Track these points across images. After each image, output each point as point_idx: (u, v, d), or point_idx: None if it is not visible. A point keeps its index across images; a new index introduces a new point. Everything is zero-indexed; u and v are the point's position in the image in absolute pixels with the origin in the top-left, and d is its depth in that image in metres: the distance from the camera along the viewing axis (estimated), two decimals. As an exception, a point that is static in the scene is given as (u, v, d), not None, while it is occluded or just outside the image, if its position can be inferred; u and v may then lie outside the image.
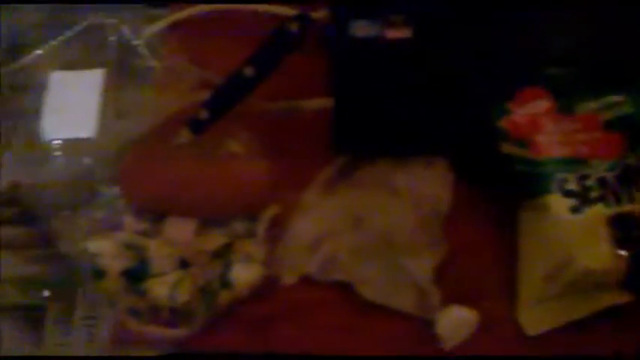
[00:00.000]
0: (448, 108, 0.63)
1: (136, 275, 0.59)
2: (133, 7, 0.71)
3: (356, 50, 0.66)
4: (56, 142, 0.66)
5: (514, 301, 0.60)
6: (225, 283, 0.60)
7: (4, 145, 0.75)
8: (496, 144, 0.59)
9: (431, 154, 0.65)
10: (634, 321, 0.58)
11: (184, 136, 0.63)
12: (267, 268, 0.61)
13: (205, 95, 0.66)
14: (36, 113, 0.67)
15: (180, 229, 0.61)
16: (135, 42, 0.71)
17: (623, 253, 0.55)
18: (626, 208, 0.57)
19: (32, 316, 1.35)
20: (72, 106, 0.67)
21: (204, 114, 0.63)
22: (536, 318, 0.59)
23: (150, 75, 0.69)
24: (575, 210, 0.57)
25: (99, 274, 0.59)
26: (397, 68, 0.65)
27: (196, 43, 0.72)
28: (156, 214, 0.61)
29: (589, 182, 0.58)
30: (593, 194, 0.57)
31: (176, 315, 0.59)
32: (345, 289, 0.61)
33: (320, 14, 0.66)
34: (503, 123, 0.59)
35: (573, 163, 0.58)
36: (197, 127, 0.63)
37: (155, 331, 0.58)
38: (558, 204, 0.57)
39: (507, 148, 0.59)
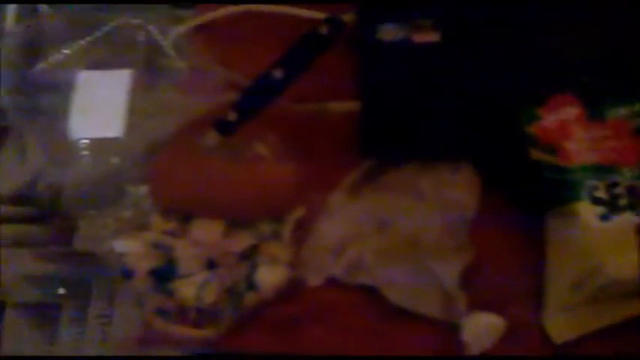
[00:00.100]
0: (476, 113, 0.63)
1: (164, 275, 0.59)
2: (160, 7, 0.72)
3: (383, 54, 0.66)
4: (84, 141, 0.67)
5: (540, 308, 0.60)
6: (251, 285, 0.60)
7: (31, 144, 0.76)
8: (525, 150, 0.59)
9: (457, 158, 0.65)
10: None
11: (212, 137, 0.63)
12: (293, 270, 0.62)
13: (232, 97, 0.66)
14: (64, 113, 0.68)
15: (207, 230, 0.61)
16: (162, 42, 0.71)
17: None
18: (656, 216, 0.57)
19: (47, 314, 1.36)
20: (99, 106, 0.67)
21: (232, 116, 0.63)
22: (563, 325, 0.58)
23: (177, 75, 0.70)
24: (603, 218, 0.57)
25: (127, 273, 0.60)
26: (424, 72, 0.65)
27: (223, 44, 0.72)
28: (183, 214, 0.62)
29: (618, 190, 0.57)
30: (622, 202, 0.57)
31: (203, 316, 0.59)
32: (370, 292, 0.61)
33: (350, 17, 0.66)
34: (532, 129, 0.59)
35: (602, 170, 0.58)
36: (225, 128, 0.63)
37: (182, 331, 0.59)
38: (587, 211, 0.57)
39: (536, 154, 0.59)
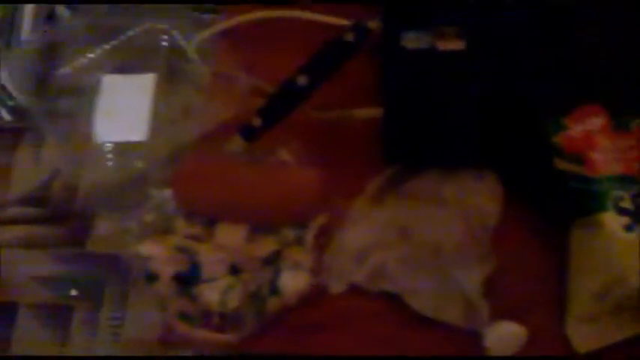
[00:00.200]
0: (500, 121, 0.63)
1: (188, 279, 0.60)
2: (184, 13, 0.72)
3: (407, 61, 0.66)
4: (108, 144, 0.67)
5: (563, 318, 0.59)
6: (275, 290, 0.60)
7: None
8: (550, 160, 0.59)
9: (481, 166, 0.65)
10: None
11: (236, 143, 0.64)
12: (316, 276, 0.62)
13: (256, 102, 0.66)
14: (88, 116, 0.68)
15: (231, 235, 0.61)
16: (186, 47, 0.71)
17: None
18: (681, 227, 0.56)
19: (59, 315, 1.37)
20: (124, 110, 0.67)
21: (257, 121, 0.63)
22: (586, 335, 0.58)
23: (200, 80, 0.70)
24: (628, 228, 0.57)
25: (151, 277, 0.60)
26: (448, 80, 0.65)
27: (247, 49, 0.72)
28: (207, 219, 0.62)
29: (643, 200, 0.58)
30: (647, 212, 0.57)
31: (226, 320, 0.59)
32: (393, 299, 0.61)
33: (375, 24, 0.66)
34: (558, 139, 0.59)
35: (628, 180, 0.58)
36: (249, 134, 0.64)
37: (205, 335, 0.59)
38: (612, 222, 0.57)
39: (562, 164, 0.59)
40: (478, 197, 0.64)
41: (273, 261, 0.61)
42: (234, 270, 0.60)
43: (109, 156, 0.66)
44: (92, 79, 0.70)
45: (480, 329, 0.59)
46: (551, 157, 0.59)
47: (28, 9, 1.45)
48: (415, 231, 0.63)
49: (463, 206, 0.63)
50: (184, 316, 0.59)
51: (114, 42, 0.71)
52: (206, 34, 0.73)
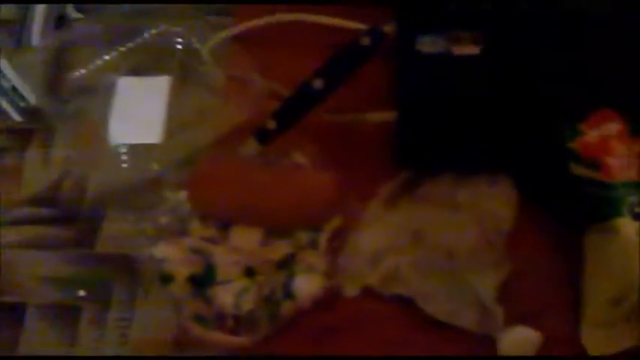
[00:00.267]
0: (515, 126, 0.63)
1: (203, 281, 0.60)
2: (199, 16, 0.72)
3: (422, 65, 0.66)
4: (123, 146, 0.67)
5: (578, 323, 0.59)
6: (289, 294, 0.60)
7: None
8: (566, 165, 0.59)
9: (495, 171, 0.65)
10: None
11: (251, 146, 0.64)
12: (329, 280, 0.62)
13: (270, 105, 0.66)
14: (103, 118, 0.69)
15: (245, 238, 0.62)
16: (200, 50, 0.72)
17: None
18: (695, 233, 0.56)
19: (67, 316, 1.37)
20: (139, 112, 0.68)
21: (271, 125, 0.63)
22: (600, 341, 0.58)
23: (214, 83, 0.70)
24: (643, 234, 0.57)
25: (166, 278, 0.60)
26: (463, 85, 0.65)
27: (261, 53, 0.72)
28: (222, 221, 0.62)
29: (658, 206, 0.58)
30: (662, 218, 0.57)
31: (240, 323, 0.59)
32: (407, 303, 0.61)
33: (390, 28, 0.66)
34: (574, 144, 0.59)
35: (643, 186, 0.58)
36: (264, 137, 0.64)
37: (219, 338, 0.59)
38: (628, 227, 0.57)
39: (577, 169, 0.59)
40: (492, 202, 0.64)
41: (287, 264, 0.61)
42: (249, 273, 0.60)
43: (124, 158, 0.66)
44: (107, 81, 0.70)
45: (495, 334, 0.59)
46: (567, 162, 0.59)
47: (39, 10, 1.46)
48: (429, 235, 0.63)
49: (477, 211, 0.63)
50: (199, 318, 0.59)
51: (129, 44, 0.71)
52: (220, 36, 0.73)
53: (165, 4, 0.74)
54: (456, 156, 0.65)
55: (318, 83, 0.63)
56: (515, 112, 0.62)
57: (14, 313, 1.34)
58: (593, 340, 0.59)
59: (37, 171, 1.49)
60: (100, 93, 0.72)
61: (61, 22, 1.49)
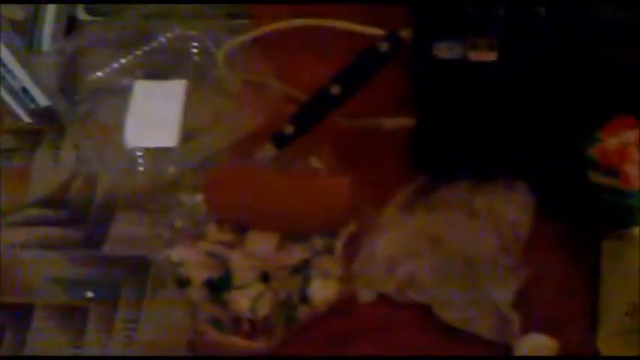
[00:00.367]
0: (532, 133, 0.63)
1: (219, 286, 0.60)
2: (216, 19, 0.72)
3: (438, 72, 0.66)
4: (139, 150, 0.67)
5: (594, 331, 0.59)
6: (304, 299, 0.60)
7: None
8: (584, 172, 0.59)
9: (512, 177, 0.65)
10: None
11: (268, 150, 0.64)
12: (345, 285, 0.62)
13: (286, 110, 0.66)
14: (119, 121, 0.69)
15: (261, 243, 0.61)
16: (216, 54, 0.72)
17: None
18: None
19: (74, 317, 1.38)
20: (155, 116, 0.68)
21: (289, 129, 0.63)
22: (617, 349, 0.58)
23: (231, 87, 0.70)
24: (662, 243, 0.57)
25: (183, 282, 0.60)
26: (480, 91, 0.65)
27: (278, 57, 0.72)
28: (239, 225, 0.62)
29: (677, 215, 0.57)
30: (680, 227, 0.57)
31: (256, 328, 0.59)
32: (423, 310, 0.61)
33: (407, 33, 0.66)
34: (592, 151, 0.59)
35: (662, 194, 0.58)
36: (281, 142, 0.64)
37: (235, 342, 0.59)
38: (645, 236, 0.57)
39: (596, 177, 0.59)
40: (509, 208, 0.64)
41: (302, 269, 0.61)
42: (265, 277, 0.60)
43: (140, 161, 0.66)
44: (123, 84, 0.70)
45: (511, 341, 0.59)
46: (585, 169, 0.59)
47: (50, 10, 1.46)
48: (446, 241, 0.63)
49: (494, 217, 0.63)
50: (215, 322, 0.59)
51: (144, 47, 0.71)
52: (237, 41, 0.73)
53: (179, 3, 0.74)
54: (472, 162, 0.65)
55: (335, 89, 0.62)
56: (532, 119, 0.62)
57: (22, 313, 1.34)
58: (610, 348, 0.58)
59: (46, 172, 1.49)
60: (116, 96, 0.72)
61: (71, 24, 1.49)
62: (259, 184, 0.62)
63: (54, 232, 1.45)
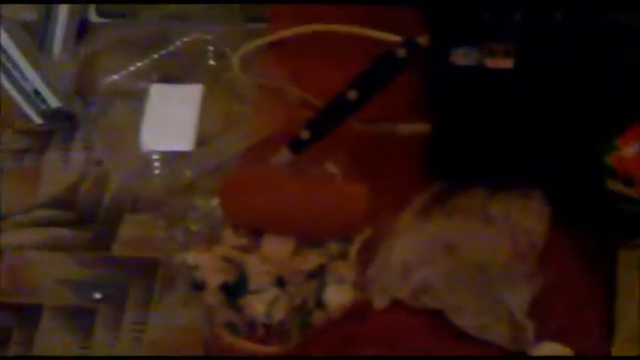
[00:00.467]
0: (549, 140, 0.63)
1: (234, 290, 0.60)
2: (232, 23, 0.73)
3: (455, 78, 0.66)
4: (155, 153, 0.68)
5: (610, 340, 0.59)
6: (320, 304, 0.60)
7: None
8: (601, 180, 0.59)
9: (528, 185, 0.65)
10: None
11: (284, 155, 0.64)
12: (359, 291, 0.62)
13: (302, 115, 0.66)
14: (135, 124, 0.69)
15: (277, 247, 0.62)
16: (232, 58, 0.72)
17: None
18: None
19: (82, 319, 1.38)
20: (171, 119, 0.68)
21: (305, 134, 0.63)
22: (631, 357, 0.58)
23: (246, 92, 0.70)
24: (678, 252, 0.57)
25: (198, 286, 0.60)
26: (497, 98, 0.65)
27: (294, 61, 0.72)
28: (254, 230, 0.62)
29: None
30: (696, 236, 0.57)
31: (271, 332, 0.59)
32: (437, 316, 0.61)
33: (424, 39, 0.66)
34: (610, 159, 0.59)
35: (679, 204, 0.58)
36: (297, 146, 0.64)
37: (250, 347, 0.59)
38: (662, 245, 0.57)
39: (613, 185, 0.59)
40: (525, 215, 0.64)
41: (318, 275, 0.61)
42: (280, 282, 0.60)
43: (156, 165, 0.66)
44: (138, 87, 0.70)
45: (525, 349, 0.59)
46: (602, 177, 0.59)
47: (62, 11, 1.46)
48: (461, 248, 0.63)
49: (510, 224, 0.63)
50: (230, 326, 0.59)
51: (160, 51, 0.71)
52: (253, 45, 0.73)
53: (193, 3, 0.74)
54: (488, 169, 0.65)
55: (352, 94, 0.63)
56: (548, 126, 0.62)
57: (30, 313, 1.34)
58: (625, 357, 0.58)
59: (55, 173, 1.50)
60: (132, 99, 0.72)
61: (83, 26, 1.50)
62: (275, 189, 0.62)
63: (63, 233, 1.46)
